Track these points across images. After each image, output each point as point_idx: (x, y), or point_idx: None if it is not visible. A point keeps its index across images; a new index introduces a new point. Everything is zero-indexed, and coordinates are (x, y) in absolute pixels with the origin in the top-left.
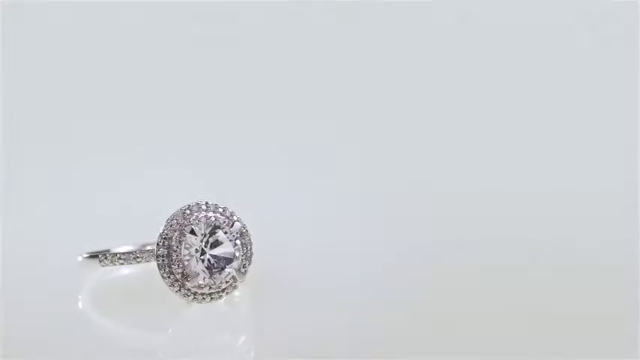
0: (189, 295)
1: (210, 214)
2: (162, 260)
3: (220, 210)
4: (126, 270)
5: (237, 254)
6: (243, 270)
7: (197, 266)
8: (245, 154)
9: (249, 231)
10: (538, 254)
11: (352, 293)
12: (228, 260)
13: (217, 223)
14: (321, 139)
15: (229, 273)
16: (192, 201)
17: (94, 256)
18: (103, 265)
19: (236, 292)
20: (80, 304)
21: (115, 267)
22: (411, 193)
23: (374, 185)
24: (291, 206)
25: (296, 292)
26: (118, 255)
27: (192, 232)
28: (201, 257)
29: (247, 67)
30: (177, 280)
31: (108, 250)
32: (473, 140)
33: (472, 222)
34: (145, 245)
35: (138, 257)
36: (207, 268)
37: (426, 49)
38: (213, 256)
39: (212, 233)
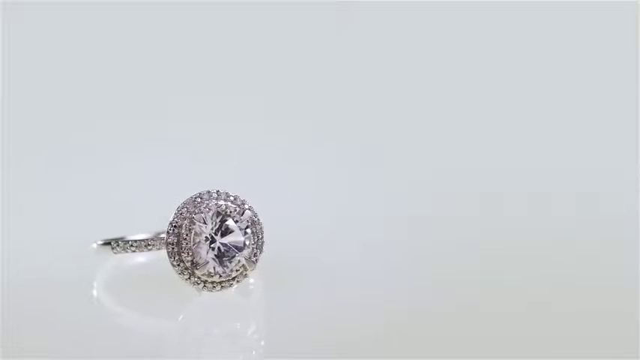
0: (199, 284)
1: (221, 202)
2: (172, 248)
3: (231, 198)
4: (141, 258)
5: (247, 243)
6: (254, 259)
7: (207, 255)
8: (257, 146)
9: (261, 219)
10: (538, 254)
11: (366, 284)
12: (239, 249)
13: (228, 212)
14: (332, 131)
15: (239, 261)
16: (203, 189)
17: (107, 243)
18: (115, 253)
19: (250, 279)
20: (95, 292)
21: (129, 255)
22: (417, 189)
23: (385, 177)
24: (305, 196)
25: (308, 281)
26: (130, 242)
27: (202, 220)
28: (211, 245)
29: (260, 61)
30: (187, 268)
31: (122, 238)
32: (475, 139)
33: (474, 221)
34: (158, 233)
35: (149, 245)
36: (217, 256)
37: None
38: (223, 245)
39: (222, 221)
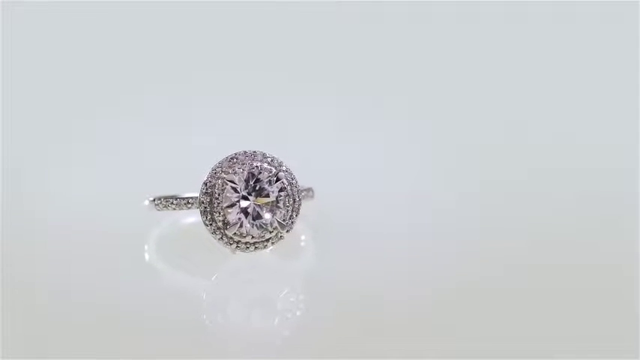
0: (231, 244)
1: (257, 163)
2: (205, 208)
3: (268, 160)
4: (191, 218)
5: (280, 204)
6: (290, 221)
7: (238, 215)
8: (297, 106)
9: (298, 182)
10: (539, 254)
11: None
12: (272, 210)
13: (262, 173)
14: (376, 91)
15: (272, 223)
16: (239, 150)
17: (153, 200)
18: (158, 210)
19: (302, 236)
20: (147, 256)
21: (183, 214)
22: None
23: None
24: (343, 157)
25: (350, 244)
26: (171, 200)
27: (235, 180)
28: (244, 206)
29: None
30: (219, 228)
31: (170, 196)
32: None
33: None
34: None
35: (189, 203)
36: (249, 217)
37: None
38: (257, 205)
39: (256, 182)
